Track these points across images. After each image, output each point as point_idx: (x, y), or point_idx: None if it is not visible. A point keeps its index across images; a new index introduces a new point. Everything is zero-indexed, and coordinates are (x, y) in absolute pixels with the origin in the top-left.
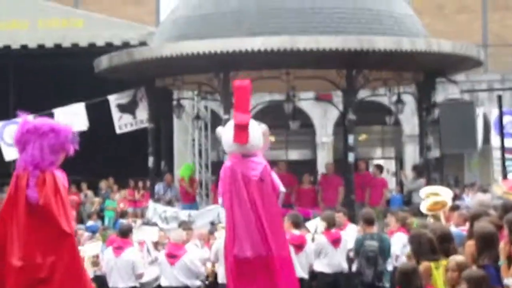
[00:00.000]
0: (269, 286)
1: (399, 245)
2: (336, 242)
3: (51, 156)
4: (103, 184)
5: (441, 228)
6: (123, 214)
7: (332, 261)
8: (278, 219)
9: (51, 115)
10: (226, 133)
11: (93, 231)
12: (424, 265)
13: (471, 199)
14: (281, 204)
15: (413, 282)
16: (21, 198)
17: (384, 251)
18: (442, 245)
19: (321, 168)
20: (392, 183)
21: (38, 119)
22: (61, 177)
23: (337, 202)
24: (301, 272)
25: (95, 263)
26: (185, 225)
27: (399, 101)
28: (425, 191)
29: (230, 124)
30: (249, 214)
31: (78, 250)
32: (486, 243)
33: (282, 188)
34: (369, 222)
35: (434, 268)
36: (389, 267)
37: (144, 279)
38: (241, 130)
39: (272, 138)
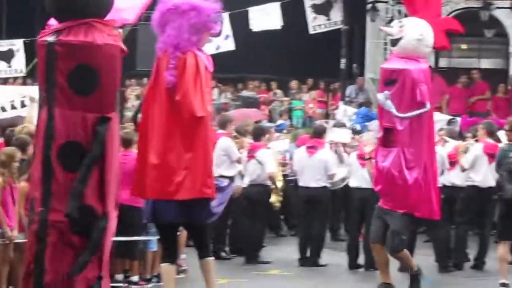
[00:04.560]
0: None
1: None
2: None
3: (193, 36)
4: (293, 84)
5: None
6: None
7: None
8: None
9: (245, 13)
10: (429, 32)
11: (282, 129)
12: None
13: None
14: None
15: None
16: (162, 81)
17: None
18: None
19: None
20: None
21: None
22: (204, 58)
23: None
24: (492, 181)
25: (283, 164)
26: None
27: None
28: None
29: (425, 24)
30: None
31: (210, 134)
32: None
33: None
34: None
35: None
36: None
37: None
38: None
39: (465, 46)
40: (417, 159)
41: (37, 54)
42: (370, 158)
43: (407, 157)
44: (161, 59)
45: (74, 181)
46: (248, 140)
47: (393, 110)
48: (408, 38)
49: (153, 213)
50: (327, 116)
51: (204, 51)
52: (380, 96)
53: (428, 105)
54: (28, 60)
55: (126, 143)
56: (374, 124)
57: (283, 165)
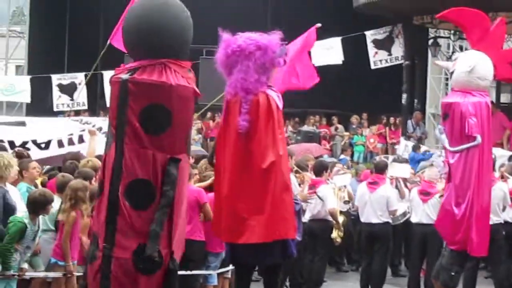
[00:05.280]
0: None
1: None
2: None
3: (262, 76)
4: (354, 119)
5: None
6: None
7: None
8: None
9: None
10: (482, 64)
11: (342, 164)
12: None
13: None
14: None
15: None
16: (233, 125)
17: None
18: None
19: None
20: None
21: (240, 37)
22: (275, 96)
23: None
24: None
25: (349, 198)
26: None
27: None
28: None
29: (479, 56)
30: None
31: (282, 178)
32: None
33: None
34: None
35: None
36: None
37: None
38: None
39: None
40: (465, 194)
41: (111, 91)
42: (442, 196)
43: (458, 192)
44: (231, 102)
45: (149, 222)
46: (309, 175)
47: (446, 144)
48: (458, 70)
49: (231, 255)
50: (386, 151)
51: (274, 88)
52: (436, 131)
53: (478, 138)
54: (90, 93)
55: None
56: (439, 160)
57: (350, 196)
